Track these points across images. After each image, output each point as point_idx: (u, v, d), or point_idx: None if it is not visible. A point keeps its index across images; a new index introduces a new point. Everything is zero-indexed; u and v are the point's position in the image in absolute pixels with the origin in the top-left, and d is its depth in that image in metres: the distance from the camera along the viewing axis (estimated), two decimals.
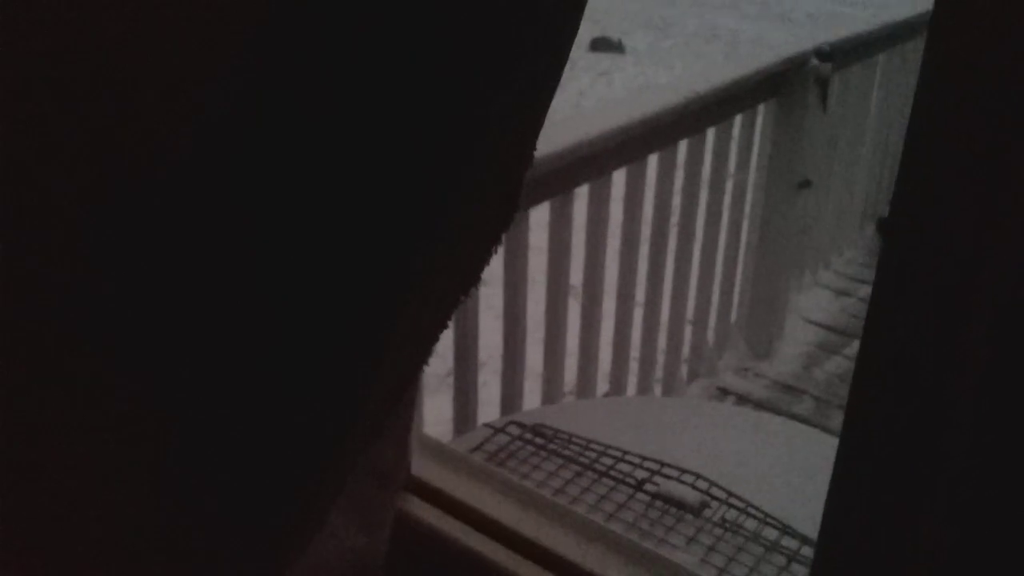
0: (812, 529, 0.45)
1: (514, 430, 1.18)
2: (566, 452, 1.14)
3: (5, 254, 0.24)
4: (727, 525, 1.00)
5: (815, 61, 2.18)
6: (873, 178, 2.90)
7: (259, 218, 0.26)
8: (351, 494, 0.41)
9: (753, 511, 1.01)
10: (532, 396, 1.84)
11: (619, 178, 1.80)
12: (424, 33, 0.26)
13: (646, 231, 1.94)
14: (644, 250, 1.96)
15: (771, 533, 0.98)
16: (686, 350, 2.30)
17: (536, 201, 1.59)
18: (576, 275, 1.79)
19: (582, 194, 1.71)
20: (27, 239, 0.24)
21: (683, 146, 1.97)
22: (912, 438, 0.42)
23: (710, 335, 2.38)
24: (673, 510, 1.03)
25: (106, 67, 0.23)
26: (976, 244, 0.38)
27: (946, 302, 0.40)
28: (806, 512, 0.62)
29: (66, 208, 0.24)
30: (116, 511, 0.27)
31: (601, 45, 7.93)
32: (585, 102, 6.17)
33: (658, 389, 2.21)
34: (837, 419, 2.16)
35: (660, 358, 2.18)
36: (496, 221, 0.35)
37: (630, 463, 1.11)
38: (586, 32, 7.91)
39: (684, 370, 2.32)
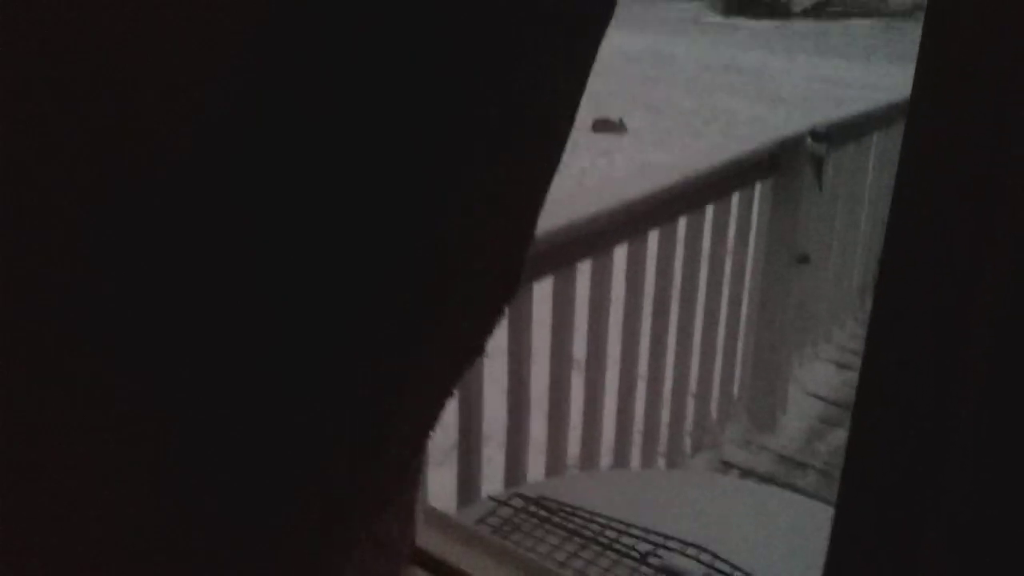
0: None
1: (518, 502, 1.19)
2: (570, 525, 1.14)
3: (5, 254, 0.24)
4: None
5: (810, 141, 2.24)
6: (870, 253, 2.94)
7: (259, 218, 0.26)
8: (357, 566, 0.40)
9: None
10: (536, 468, 1.83)
11: (621, 253, 1.83)
12: (424, 33, 0.26)
13: (648, 305, 1.96)
14: (646, 324, 1.98)
15: None
16: (689, 423, 2.30)
17: (540, 275, 1.62)
18: (579, 348, 1.81)
19: (584, 269, 1.75)
20: (27, 239, 0.24)
21: (683, 222, 2.02)
22: (913, 470, 0.42)
23: (713, 408, 2.38)
24: None
25: (106, 67, 0.23)
26: (972, 261, 0.40)
27: (944, 323, 0.41)
28: None
29: (66, 208, 0.24)
30: (116, 511, 0.27)
31: (602, 126, 8.09)
32: (587, 180, 6.27)
33: (662, 462, 2.21)
34: None
35: (664, 431, 2.18)
36: (500, 292, 0.36)
37: (634, 536, 1.11)
38: (587, 113, 8.08)
39: (688, 443, 2.32)
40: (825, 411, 2.60)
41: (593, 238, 1.69)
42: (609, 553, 1.08)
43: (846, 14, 19.50)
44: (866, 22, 18.10)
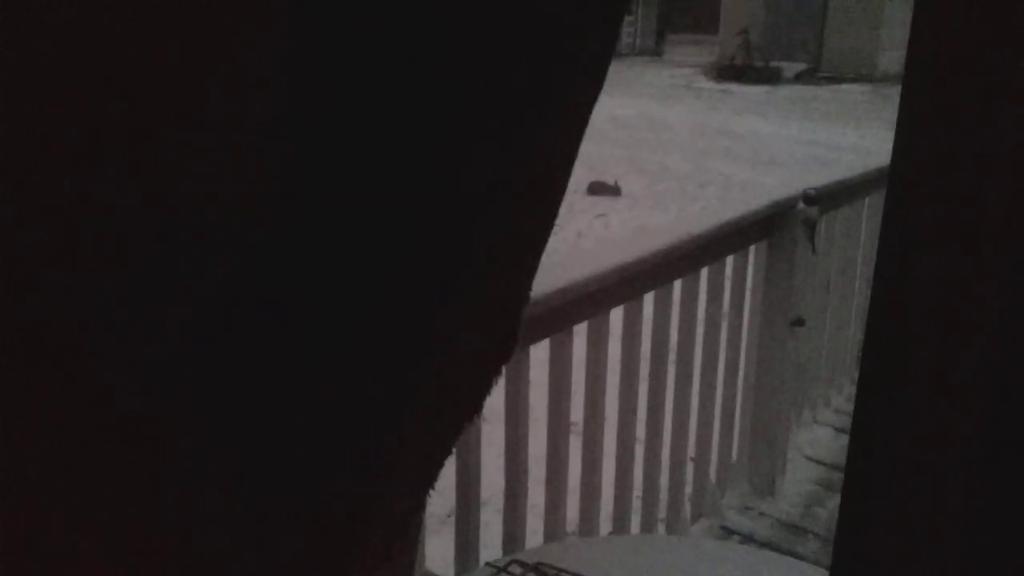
0: None
1: (516, 569, 1.17)
2: None
3: (5, 254, 0.23)
4: None
5: (803, 204, 2.27)
6: (866, 316, 2.95)
7: (256, 230, 0.25)
8: None
9: None
10: (535, 534, 1.81)
11: (617, 316, 1.84)
12: (425, 35, 0.26)
13: (644, 368, 1.96)
14: (643, 387, 1.98)
15: None
16: (689, 488, 2.28)
17: (536, 338, 1.63)
18: (576, 412, 1.80)
19: (581, 332, 1.75)
20: (28, 239, 0.24)
21: (678, 285, 2.03)
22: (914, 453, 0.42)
23: (712, 473, 2.36)
24: None
25: (107, 67, 0.23)
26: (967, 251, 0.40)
27: (931, 387, 0.42)
28: None
29: (67, 208, 0.24)
30: (116, 511, 0.27)
31: (598, 188, 8.18)
32: (584, 243, 6.31)
33: (662, 528, 2.18)
34: None
35: (663, 496, 2.16)
36: (498, 350, 0.36)
37: None
38: (584, 176, 8.19)
39: (688, 509, 2.29)
40: (824, 476, 2.58)
41: (590, 300, 1.70)
42: None
43: (836, 79, 19.89)
44: (856, 87, 18.47)
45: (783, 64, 20.94)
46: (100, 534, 0.27)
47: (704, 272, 2.10)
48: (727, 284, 2.21)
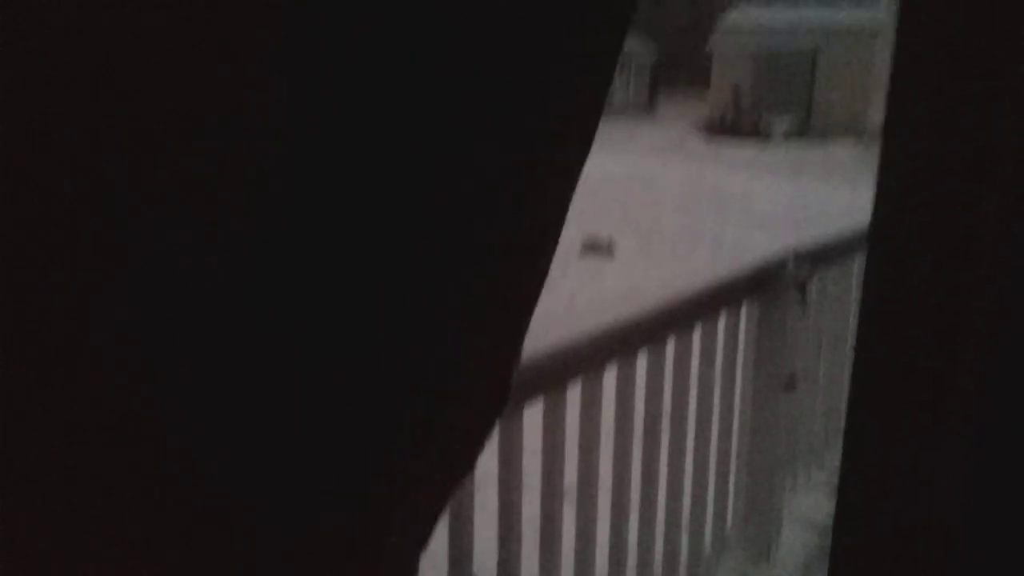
0: None
1: None
2: None
3: (6, 254, 0.24)
4: None
5: (793, 263, 2.28)
6: None
7: (252, 244, 0.25)
8: None
9: None
10: None
11: (610, 377, 1.83)
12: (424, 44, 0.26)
13: (638, 430, 1.94)
14: (637, 451, 1.96)
15: None
16: (684, 556, 2.24)
17: (530, 398, 1.62)
18: (570, 476, 1.78)
19: (574, 395, 1.74)
20: (28, 239, 0.24)
21: (671, 344, 2.03)
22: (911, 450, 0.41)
23: (707, 540, 2.33)
24: None
25: (108, 68, 0.23)
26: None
27: (916, 451, 0.41)
28: None
29: (67, 208, 0.24)
30: (117, 510, 0.27)
31: (591, 247, 8.23)
32: (576, 302, 6.32)
33: None
34: None
35: (658, 564, 2.12)
36: (489, 407, 0.36)
37: None
38: (576, 234, 8.24)
39: (683, 574, 2.25)
40: (820, 541, 2.54)
41: (583, 360, 1.69)
42: None
43: (826, 136, 20.20)
44: (845, 144, 18.74)
45: (774, 122, 21.27)
46: (100, 533, 0.27)
47: (696, 331, 2.10)
48: (719, 343, 2.20)
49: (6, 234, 0.23)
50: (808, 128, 21.18)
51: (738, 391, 2.33)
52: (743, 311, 2.28)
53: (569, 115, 0.32)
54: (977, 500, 0.40)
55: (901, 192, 0.43)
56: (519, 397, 1.51)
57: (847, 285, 2.77)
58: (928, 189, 0.42)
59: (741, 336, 2.30)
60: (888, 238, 0.43)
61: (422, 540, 0.35)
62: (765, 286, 2.27)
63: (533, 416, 1.65)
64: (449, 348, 0.31)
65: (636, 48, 26.63)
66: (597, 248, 8.21)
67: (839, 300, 2.74)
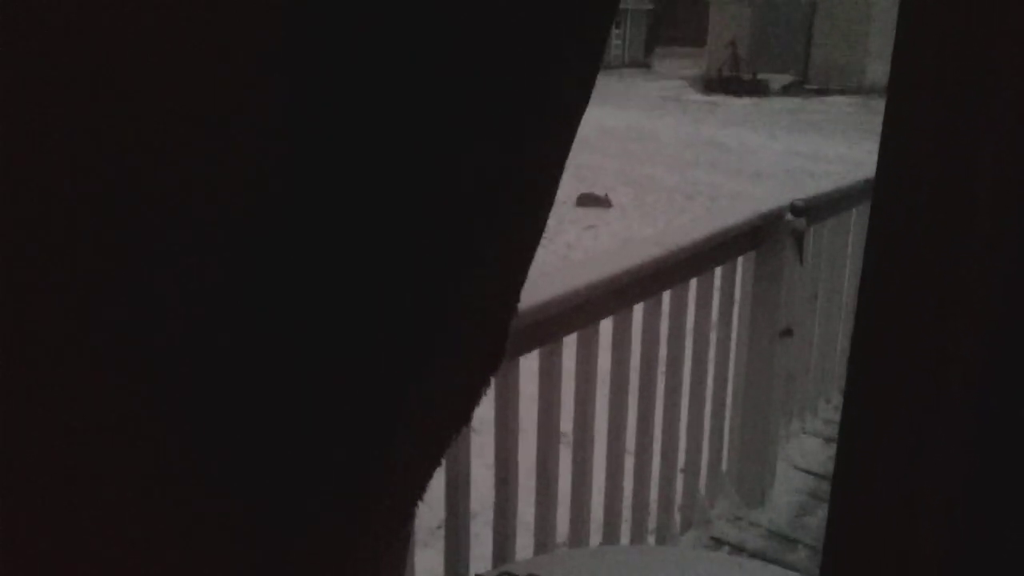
0: None
1: None
2: None
3: (5, 254, 0.24)
4: None
5: (790, 216, 2.28)
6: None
7: (253, 236, 0.26)
8: None
9: None
10: (525, 546, 1.81)
11: (606, 327, 1.84)
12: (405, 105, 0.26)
13: (634, 379, 1.97)
14: (633, 398, 1.98)
15: None
16: (678, 499, 2.28)
17: (526, 349, 1.63)
18: (566, 423, 1.81)
19: (570, 343, 1.75)
20: (28, 239, 0.24)
21: (667, 296, 2.04)
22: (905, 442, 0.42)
23: (702, 484, 2.37)
24: None
25: (109, 69, 0.23)
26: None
27: (917, 398, 0.42)
28: None
29: (67, 209, 0.24)
30: (117, 510, 0.27)
31: (588, 200, 8.20)
32: (573, 254, 6.32)
33: (651, 539, 2.18)
34: None
35: (653, 507, 2.16)
36: (486, 359, 0.36)
37: None
38: (573, 188, 8.21)
39: (677, 519, 2.29)
40: (814, 485, 2.58)
41: (579, 312, 1.70)
42: None
43: (823, 91, 20.03)
44: (843, 99, 18.61)
45: (770, 76, 21.08)
46: (100, 533, 0.27)
47: (693, 283, 2.11)
48: (715, 295, 2.22)
49: (6, 234, 0.23)
50: (804, 84, 21.01)
51: (734, 340, 2.35)
52: (739, 263, 2.29)
53: (574, 55, 0.32)
54: (979, 451, 0.41)
55: (905, 146, 0.43)
56: (516, 348, 1.52)
57: (843, 237, 2.78)
58: (932, 143, 0.42)
59: (738, 286, 2.31)
60: (892, 193, 0.44)
61: (419, 490, 0.36)
62: (762, 238, 2.28)
63: (529, 364, 1.66)
64: (454, 295, 0.31)
65: (633, 3, 26.28)
66: (593, 202, 8.19)
67: (836, 251, 2.75)
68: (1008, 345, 0.39)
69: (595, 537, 1.99)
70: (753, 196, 6.39)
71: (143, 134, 0.24)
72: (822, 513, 2.46)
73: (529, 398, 1.69)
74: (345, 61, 0.25)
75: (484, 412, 0.38)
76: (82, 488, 0.26)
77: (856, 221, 2.79)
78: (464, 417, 0.36)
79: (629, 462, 2.02)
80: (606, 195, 8.36)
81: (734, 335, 2.35)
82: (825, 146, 11.69)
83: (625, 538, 2.07)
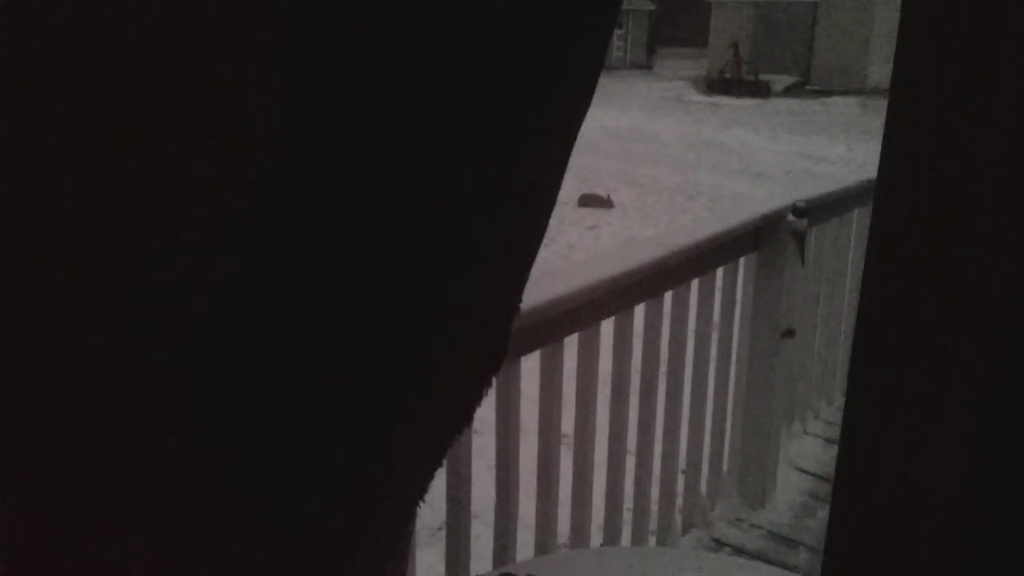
0: None
1: None
2: None
3: (5, 254, 0.24)
4: None
5: (792, 217, 2.28)
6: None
7: (255, 236, 0.26)
8: None
9: None
10: (526, 546, 1.81)
11: (607, 328, 1.84)
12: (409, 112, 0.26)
13: (635, 380, 1.96)
14: (634, 399, 1.98)
15: None
16: (680, 500, 2.28)
17: (527, 350, 1.63)
18: (567, 423, 1.80)
19: (572, 343, 1.75)
20: (28, 239, 0.24)
21: (668, 297, 2.03)
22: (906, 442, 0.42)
23: (703, 485, 2.36)
24: None
25: (109, 69, 0.23)
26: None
27: (918, 396, 0.42)
28: None
29: (67, 209, 0.24)
30: (116, 510, 0.27)
31: (589, 200, 8.21)
32: (574, 254, 6.32)
33: (652, 540, 2.18)
34: None
35: (654, 508, 2.16)
36: (488, 360, 0.36)
37: None
38: (575, 188, 8.21)
39: (678, 520, 2.29)
40: (815, 487, 2.58)
41: (580, 312, 1.70)
42: None
43: (825, 92, 20.03)
44: (845, 100, 18.60)
45: (772, 77, 21.07)
46: (100, 533, 0.27)
47: (694, 284, 2.11)
48: (717, 295, 2.21)
49: (6, 234, 0.23)
50: (806, 86, 20.99)
51: (735, 340, 2.35)
52: (741, 264, 2.29)
53: (569, 98, 0.32)
54: (979, 452, 0.41)
55: (906, 148, 0.43)
56: (517, 349, 1.52)
57: (845, 237, 2.78)
58: (934, 144, 0.42)
59: (739, 287, 2.31)
60: (893, 194, 0.43)
61: (420, 490, 0.36)
62: (764, 239, 2.28)
63: (530, 364, 1.66)
64: (454, 296, 0.31)
65: (634, 3, 26.27)
66: (595, 202, 8.19)
67: (837, 252, 2.75)
68: (1009, 346, 0.39)
69: (596, 538, 1.98)
70: (755, 197, 6.39)
71: (143, 134, 0.24)
72: (823, 514, 2.46)
73: (530, 399, 1.69)
74: (345, 61, 0.25)
75: (485, 413, 0.38)
76: (82, 488, 0.26)
77: (858, 222, 2.79)
78: (465, 417, 0.36)
79: (630, 463, 2.02)
80: (608, 195, 8.36)
81: (735, 336, 2.35)
82: (827, 147, 11.68)
83: (626, 539, 2.07)
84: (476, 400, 0.36)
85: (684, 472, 2.27)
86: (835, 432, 2.82)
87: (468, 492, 1.61)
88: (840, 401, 2.96)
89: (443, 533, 1.67)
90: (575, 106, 0.33)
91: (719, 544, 2.32)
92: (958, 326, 0.41)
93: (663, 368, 2.06)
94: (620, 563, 1.44)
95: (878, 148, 0.43)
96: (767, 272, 2.31)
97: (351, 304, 0.28)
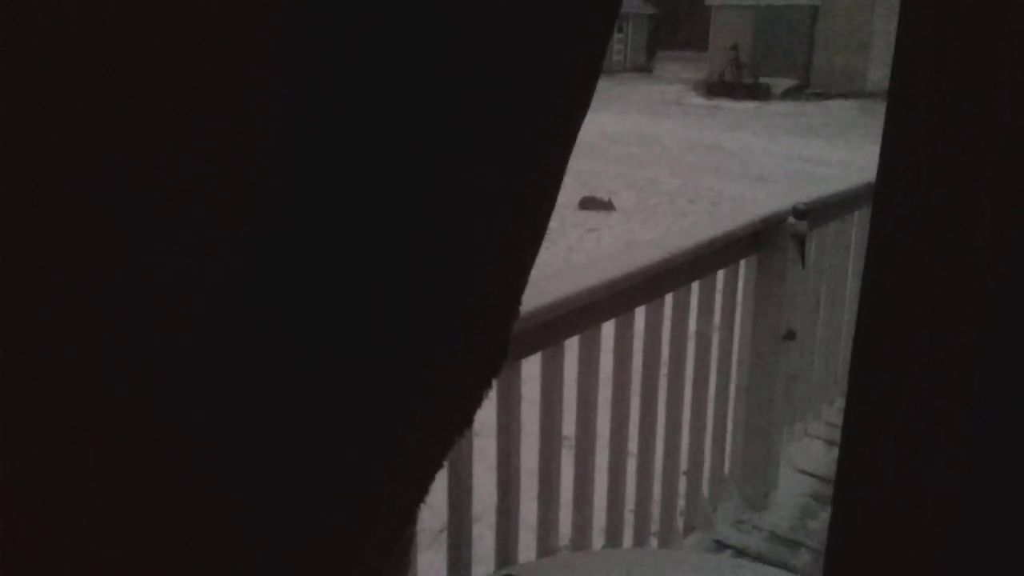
0: None
1: None
2: None
3: (5, 254, 0.24)
4: None
5: (792, 219, 2.29)
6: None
7: (255, 240, 0.26)
8: None
9: None
10: (527, 549, 1.81)
11: (608, 330, 1.84)
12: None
13: (636, 382, 1.97)
14: (635, 401, 1.98)
15: None
16: (681, 502, 2.28)
17: (528, 352, 1.63)
18: (569, 426, 1.81)
19: (572, 346, 1.76)
20: (27, 239, 0.24)
21: (669, 299, 2.04)
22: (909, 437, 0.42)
23: (705, 487, 2.36)
24: None
25: (108, 69, 0.23)
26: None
27: (919, 401, 0.42)
28: None
29: (66, 208, 0.24)
30: (116, 510, 0.27)
31: (590, 204, 8.21)
32: (575, 257, 6.32)
33: (654, 541, 2.18)
34: None
35: (656, 510, 2.16)
36: (489, 362, 0.36)
37: None
38: (575, 191, 8.21)
39: (680, 522, 2.29)
40: (817, 488, 2.58)
41: (581, 314, 1.70)
42: None
43: (825, 96, 20.03)
44: (845, 103, 18.60)
45: (772, 80, 21.07)
46: (100, 533, 0.27)
47: (695, 286, 2.11)
48: (718, 298, 2.22)
49: (6, 234, 0.23)
50: (806, 89, 21.00)
51: (736, 343, 2.35)
52: (742, 266, 2.29)
53: (568, 97, 0.32)
54: (979, 455, 0.41)
55: (905, 150, 0.43)
56: (518, 351, 1.52)
57: (845, 240, 2.78)
58: (932, 147, 0.42)
59: (740, 290, 2.31)
60: (892, 196, 0.44)
61: (421, 492, 0.36)
62: (764, 241, 2.28)
63: (531, 367, 1.67)
64: (450, 321, 0.31)
65: (633, 7, 26.29)
66: (596, 205, 8.19)
67: (838, 254, 2.75)
68: (1008, 346, 0.39)
69: (598, 540, 1.98)
70: (755, 199, 6.39)
71: (143, 134, 0.24)
72: (825, 516, 2.46)
73: (531, 401, 1.69)
74: (345, 61, 0.25)
75: (486, 415, 0.38)
76: (82, 488, 0.26)
77: (858, 224, 2.79)
78: (466, 419, 0.36)
79: (632, 465, 2.02)
80: (609, 198, 8.36)
81: (736, 338, 2.35)
82: (827, 150, 11.69)
83: (628, 541, 2.07)
84: (477, 402, 0.36)
85: (686, 474, 2.27)
86: (836, 434, 2.82)
87: (469, 494, 1.61)
88: (842, 402, 2.95)
89: (445, 535, 1.67)
90: (575, 106, 0.33)
91: (721, 546, 2.32)
92: (957, 327, 0.41)
93: (664, 370, 2.06)
94: (622, 565, 1.44)
95: (877, 151, 0.43)
96: (768, 274, 2.32)
97: (351, 303, 0.28)
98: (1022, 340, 0.39)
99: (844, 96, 19.61)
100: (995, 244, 0.39)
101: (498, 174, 0.30)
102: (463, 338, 0.33)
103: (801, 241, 2.31)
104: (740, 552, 2.30)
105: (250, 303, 0.26)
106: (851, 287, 2.86)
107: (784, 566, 2.17)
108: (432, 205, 0.28)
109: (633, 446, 2.01)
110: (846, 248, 2.79)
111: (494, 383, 0.36)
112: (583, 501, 1.87)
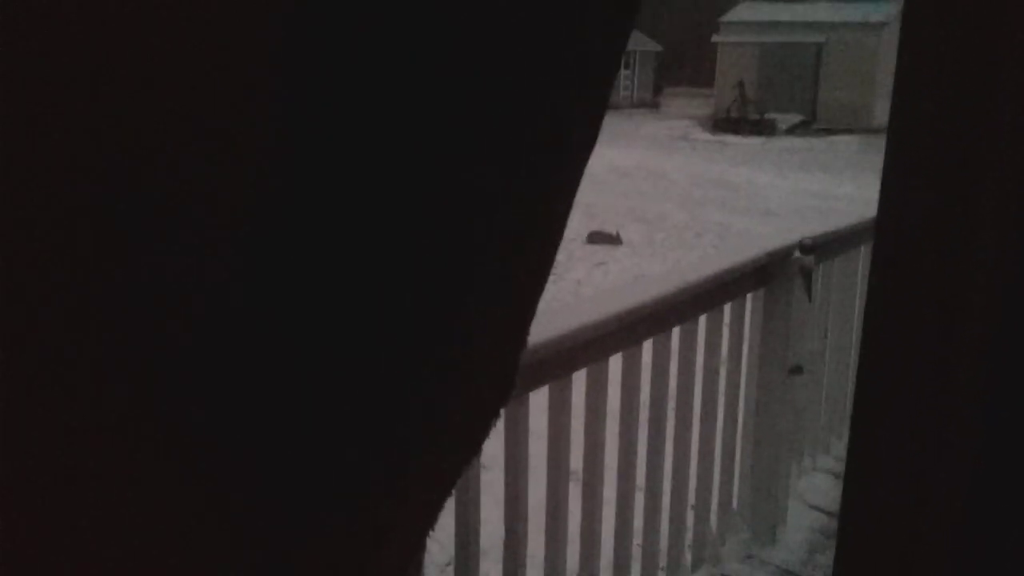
0: None
1: None
2: None
3: (5, 254, 0.23)
4: None
5: (799, 253, 2.29)
6: None
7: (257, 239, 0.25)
8: None
9: None
10: None
11: (616, 363, 1.85)
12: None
13: (644, 415, 1.96)
14: (643, 435, 1.98)
15: None
16: (689, 536, 2.26)
17: (536, 385, 1.63)
18: (576, 460, 1.80)
19: (580, 379, 1.76)
20: (27, 239, 0.23)
21: (676, 333, 2.04)
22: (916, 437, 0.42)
23: (713, 521, 2.35)
24: None
25: (108, 69, 0.23)
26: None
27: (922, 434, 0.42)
28: None
29: (66, 208, 0.24)
30: (115, 510, 0.27)
31: (598, 237, 8.22)
32: (583, 290, 6.32)
33: None
34: None
35: (663, 544, 2.14)
36: (496, 393, 0.36)
37: None
38: (583, 225, 8.23)
39: (688, 557, 2.27)
40: (825, 523, 2.56)
41: (589, 347, 1.70)
42: None
43: (830, 131, 20.09)
44: (850, 138, 18.65)
45: (778, 116, 21.17)
46: (100, 533, 0.27)
47: (702, 320, 2.11)
48: (725, 332, 2.22)
49: (6, 234, 0.23)
50: (812, 125, 21.08)
51: (743, 377, 2.35)
52: (749, 300, 2.30)
53: (571, 110, 0.32)
54: (982, 488, 0.41)
55: (906, 184, 0.44)
56: (525, 383, 1.52)
57: (852, 274, 2.79)
58: (932, 182, 0.43)
59: (747, 324, 2.31)
60: (893, 229, 0.44)
61: (428, 523, 0.35)
62: (771, 275, 2.29)
63: (539, 400, 1.67)
64: (454, 339, 0.31)
65: (640, 44, 26.53)
66: (604, 239, 8.20)
67: (844, 288, 2.75)
68: (1014, 345, 0.40)
69: (605, 574, 1.97)
70: (762, 234, 6.38)
71: (143, 134, 0.24)
72: (833, 551, 2.43)
73: (538, 435, 1.69)
74: (345, 61, 0.25)
75: (493, 449, 0.38)
76: (82, 488, 0.26)
77: (865, 258, 2.80)
78: (474, 447, 0.36)
79: (639, 499, 2.01)
80: (616, 232, 8.38)
81: (744, 372, 2.34)
82: (833, 185, 11.71)
83: (636, 575, 2.05)
84: (484, 431, 0.36)
85: (694, 508, 2.25)
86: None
87: (477, 528, 1.60)
88: None
89: (451, 569, 1.66)
90: (576, 108, 0.32)
91: None
92: (964, 324, 0.42)
93: (672, 404, 2.06)
94: None
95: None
96: (775, 308, 2.32)
97: (351, 303, 0.28)
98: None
99: (850, 131, 19.67)
100: (1000, 241, 0.40)
101: (498, 174, 0.30)
102: (471, 368, 0.33)
103: (808, 275, 2.31)
104: None
105: (250, 303, 0.26)
106: (858, 321, 2.86)
107: None
108: (432, 205, 0.28)
109: (641, 479, 2.01)
110: (853, 283, 2.79)
111: (502, 414, 0.36)
112: (590, 535, 1.86)
